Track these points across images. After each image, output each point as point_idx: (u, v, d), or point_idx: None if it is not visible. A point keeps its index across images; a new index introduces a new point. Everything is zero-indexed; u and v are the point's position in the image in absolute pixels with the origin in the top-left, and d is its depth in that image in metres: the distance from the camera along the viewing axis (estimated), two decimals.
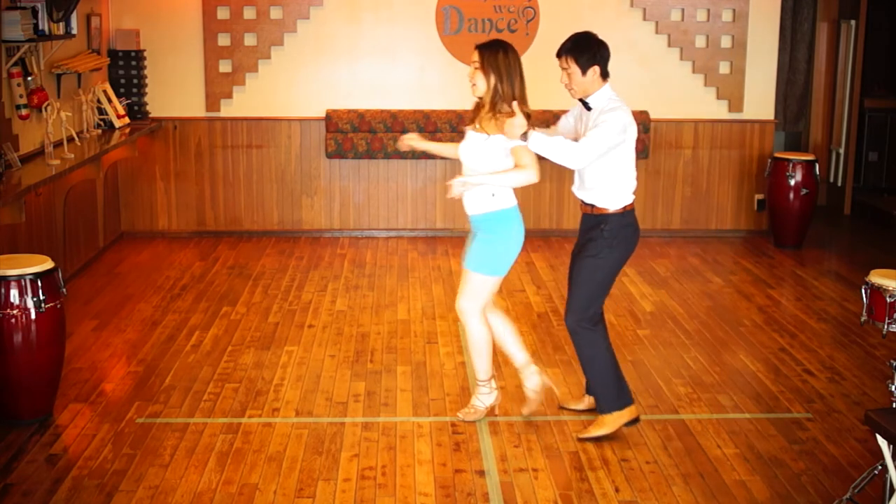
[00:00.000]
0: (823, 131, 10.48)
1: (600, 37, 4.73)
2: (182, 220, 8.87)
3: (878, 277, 4.47)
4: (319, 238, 8.86)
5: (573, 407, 5.09)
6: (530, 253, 8.30)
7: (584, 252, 4.74)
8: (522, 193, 9.24)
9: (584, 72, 4.64)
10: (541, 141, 4.51)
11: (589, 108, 4.71)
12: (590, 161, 4.56)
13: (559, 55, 4.70)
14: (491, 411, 4.99)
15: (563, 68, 4.70)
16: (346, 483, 4.34)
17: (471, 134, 4.75)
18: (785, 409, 5.20)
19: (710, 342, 6.23)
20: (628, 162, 4.67)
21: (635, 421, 4.82)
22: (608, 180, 4.66)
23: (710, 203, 9.12)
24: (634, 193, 4.74)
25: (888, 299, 4.38)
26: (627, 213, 4.71)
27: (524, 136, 4.49)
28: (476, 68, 4.68)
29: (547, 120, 8.71)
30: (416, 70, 8.67)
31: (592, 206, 4.72)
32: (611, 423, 4.77)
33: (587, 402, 5.05)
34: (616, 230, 4.68)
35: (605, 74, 4.68)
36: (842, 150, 10.19)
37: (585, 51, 4.63)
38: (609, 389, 4.76)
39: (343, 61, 8.74)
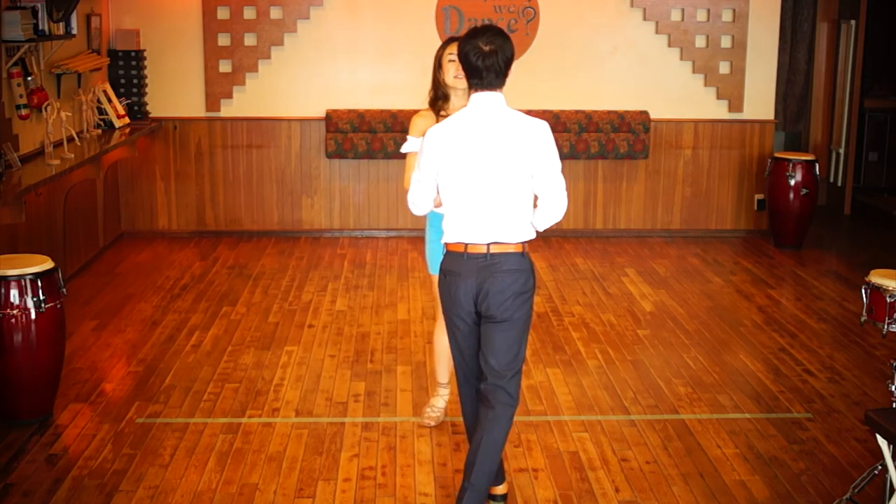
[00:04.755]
0: (823, 131, 10.47)
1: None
2: (182, 220, 8.87)
3: (878, 277, 4.48)
4: (319, 238, 8.86)
5: None
6: (530, 253, 8.28)
7: None
8: None
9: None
10: None
11: None
12: (420, 197, 3.96)
13: None
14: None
15: None
16: (346, 483, 4.34)
17: None
18: (785, 409, 5.20)
19: (710, 342, 6.23)
20: (445, 193, 3.87)
21: None
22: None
23: (710, 203, 9.12)
24: (462, 240, 3.83)
25: (888, 299, 4.38)
26: (447, 254, 3.90)
27: None
28: None
29: (546, 120, 8.70)
30: (416, 70, 8.63)
31: None
32: None
33: None
34: (442, 267, 3.96)
35: (471, 84, 3.84)
36: (842, 150, 10.18)
37: (459, 45, 3.90)
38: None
39: (343, 61, 8.73)
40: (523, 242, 3.89)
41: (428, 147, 3.86)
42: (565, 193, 3.88)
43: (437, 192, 3.94)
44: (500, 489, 4.12)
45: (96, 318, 6.53)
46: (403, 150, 4.63)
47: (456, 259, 3.85)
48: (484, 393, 3.87)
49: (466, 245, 3.83)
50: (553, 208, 3.86)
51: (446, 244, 3.91)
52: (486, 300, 3.82)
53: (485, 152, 3.78)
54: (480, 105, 3.82)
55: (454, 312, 3.90)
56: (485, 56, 3.76)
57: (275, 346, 6.05)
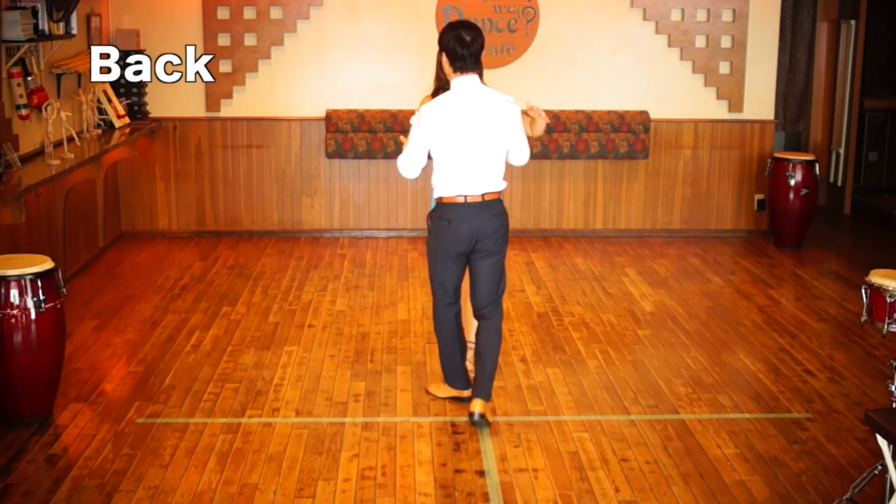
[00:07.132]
0: (823, 131, 10.47)
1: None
2: (182, 220, 8.87)
3: (878, 277, 4.48)
4: (319, 238, 8.86)
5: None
6: (530, 253, 8.29)
7: None
8: (522, 193, 9.21)
9: (439, 53, 4.88)
10: None
11: None
12: (414, 163, 4.80)
13: None
14: None
15: None
16: (346, 483, 4.34)
17: None
18: (785, 409, 5.20)
19: (710, 342, 6.23)
20: (442, 158, 4.76)
21: (461, 399, 5.11)
22: (434, 169, 4.87)
23: (710, 203, 9.12)
24: (464, 192, 4.77)
25: (888, 299, 4.38)
26: (441, 205, 4.84)
27: None
28: None
29: (547, 120, 8.70)
30: (416, 70, 8.65)
31: None
32: (436, 389, 5.28)
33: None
34: (434, 218, 4.90)
35: (455, 68, 4.77)
36: (842, 150, 10.18)
37: (440, 37, 4.85)
38: (442, 364, 5.17)
39: (343, 61, 8.73)
40: (502, 190, 4.88)
41: (424, 122, 4.70)
42: (528, 147, 4.95)
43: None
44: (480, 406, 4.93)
45: (96, 318, 6.53)
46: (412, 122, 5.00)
47: (457, 208, 4.78)
48: (478, 315, 4.99)
49: (466, 196, 4.77)
50: (521, 155, 4.93)
51: (443, 198, 4.80)
52: (483, 239, 4.81)
53: (472, 123, 4.71)
54: (463, 86, 4.75)
55: (452, 250, 4.84)
56: (466, 45, 4.71)
57: (275, 346, 6.05)
